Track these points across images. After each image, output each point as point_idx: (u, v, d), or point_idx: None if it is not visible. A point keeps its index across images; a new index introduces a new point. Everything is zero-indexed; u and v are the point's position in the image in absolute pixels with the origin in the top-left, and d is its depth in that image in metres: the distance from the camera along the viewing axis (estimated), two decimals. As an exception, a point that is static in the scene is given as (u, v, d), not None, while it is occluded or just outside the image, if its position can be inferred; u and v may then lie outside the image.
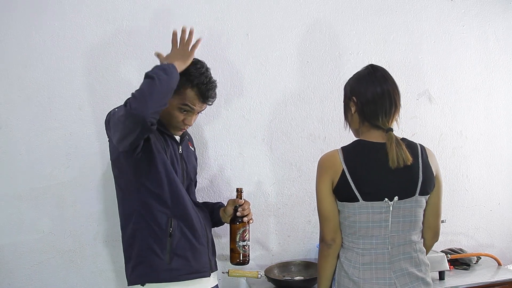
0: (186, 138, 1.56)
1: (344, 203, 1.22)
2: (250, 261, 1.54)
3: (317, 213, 1.30)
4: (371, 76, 1.26)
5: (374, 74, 1.26)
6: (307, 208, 1.98)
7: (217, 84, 1.46)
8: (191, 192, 1.52)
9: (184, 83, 1.35)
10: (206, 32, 1.85)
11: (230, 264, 1.54)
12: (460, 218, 2.23)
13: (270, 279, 1.71)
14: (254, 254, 1.93)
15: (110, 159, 1.41)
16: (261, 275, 1.69)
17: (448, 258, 1.82)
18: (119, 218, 1.42)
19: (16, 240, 1.66)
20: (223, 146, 1.90)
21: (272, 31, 1.95)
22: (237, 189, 1.54)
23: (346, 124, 1.36)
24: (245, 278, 1.83)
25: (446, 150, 2.21)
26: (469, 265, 1.94)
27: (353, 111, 1.29)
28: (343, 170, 1.20)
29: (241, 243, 1.49)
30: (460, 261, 1.95)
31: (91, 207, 1.73)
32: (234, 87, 1.91)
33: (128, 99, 1.18)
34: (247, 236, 1.50)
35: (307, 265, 1.87)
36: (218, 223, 1.60)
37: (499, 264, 1.97)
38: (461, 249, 2.03)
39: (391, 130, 1.23)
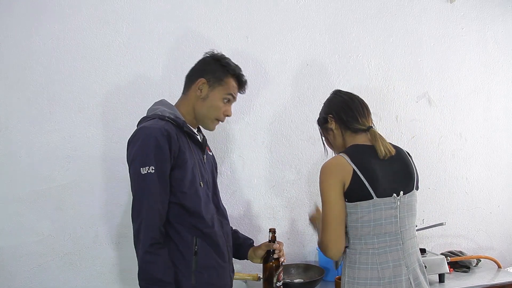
0: (206, 142, 1.48)
1: (357, 203, 1.22)
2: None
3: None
4: (337, 95, 1.40)
5: (339, 93, 1.40)
6: (306, 211, 1.97)
7: None
8: (217, 196, 1.44)
9: (225, 73, 1.37)
10: (205, 35, 1.86)
11: None
12: (460, 221, 2.23)
13: (270, 282, 1.71)
14: (254, 256, 1.93)
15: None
16: (261, 278, 1.69)
17: (448, 261, 1.81)
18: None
19: (16, 243, 1.65)
20: (223, 149, 1.90)
21: (271, 33, 1.95)
22: (270, 229, 1.48)
23: (326, 150, 1.47)
24: (245, 280, 1.82)
25: (445, 153, 2.21)
26: (469, 268, 1.94)
27: (333, 127, 1.36)
28: (353, 170, 1.21)
29: (278, 284, 1.46)
30: (460, 264, 1.95)
31: (90, 209, 1.72)
32: (234, 89, 1.90)
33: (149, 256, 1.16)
34: (281, 275, 1.47)
35: (307, 268, 1.86)
36: (241, 257, 1.54)
37: (499, 266, 1.97)
38: (461, 252, 2.03)
39: (371, 127, 1.31)
